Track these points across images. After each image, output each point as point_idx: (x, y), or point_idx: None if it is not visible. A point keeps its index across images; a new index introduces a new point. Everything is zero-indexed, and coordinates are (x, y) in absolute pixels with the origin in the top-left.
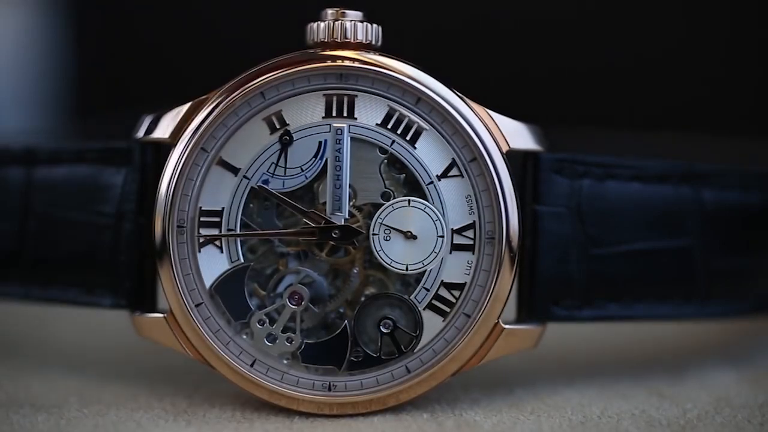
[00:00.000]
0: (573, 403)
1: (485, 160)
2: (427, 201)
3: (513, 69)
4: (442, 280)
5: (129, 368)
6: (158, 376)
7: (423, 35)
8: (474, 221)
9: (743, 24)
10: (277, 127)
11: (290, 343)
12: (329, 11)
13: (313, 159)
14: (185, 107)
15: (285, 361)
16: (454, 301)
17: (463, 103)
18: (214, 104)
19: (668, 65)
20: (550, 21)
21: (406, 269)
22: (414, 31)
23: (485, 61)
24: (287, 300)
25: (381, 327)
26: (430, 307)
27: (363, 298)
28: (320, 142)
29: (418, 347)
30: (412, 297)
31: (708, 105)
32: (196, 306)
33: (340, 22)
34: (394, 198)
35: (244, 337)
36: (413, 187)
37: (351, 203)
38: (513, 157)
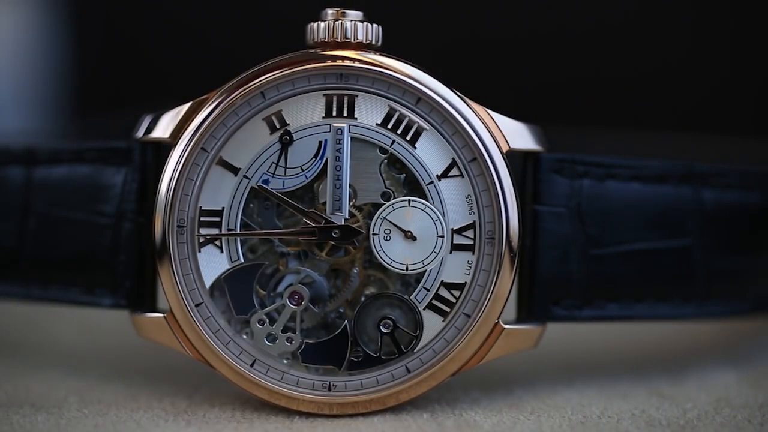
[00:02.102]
0: (573, 403)
1: (485, 160)
2: (427, 201)
3: (515, 71)
4: (442, 280)
5: (129, 368)
6: (158, 376)
7: (424, 38)
8: (474, 221)
9: (744, 25)
10: (277, 126)
11: (290, 343)
12: (329, 11)
13: (313, 159)
14: (185, 107)
15: (285, 361)
16: (454, 301)
17: (463, 103)
18: (214, 104)
19: (669, 66)
20: (551, 25)
21: (406, 269)
22: (415, 33)
23: (487, 63)
24: (287, 300)
25: (381, 327)
26: (430, 307)
27: (363, 298)
28: (320, 142)
29: (418, 347)
30: (412, 297)
31: (708, 105)
32: (196, 306)
33: (340, 22)
34: (394, 198)
35: (244, 336)
36: (413, 187)
37: (351, 203)
38: (513, 157)
